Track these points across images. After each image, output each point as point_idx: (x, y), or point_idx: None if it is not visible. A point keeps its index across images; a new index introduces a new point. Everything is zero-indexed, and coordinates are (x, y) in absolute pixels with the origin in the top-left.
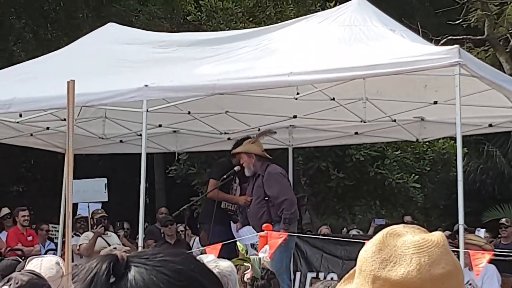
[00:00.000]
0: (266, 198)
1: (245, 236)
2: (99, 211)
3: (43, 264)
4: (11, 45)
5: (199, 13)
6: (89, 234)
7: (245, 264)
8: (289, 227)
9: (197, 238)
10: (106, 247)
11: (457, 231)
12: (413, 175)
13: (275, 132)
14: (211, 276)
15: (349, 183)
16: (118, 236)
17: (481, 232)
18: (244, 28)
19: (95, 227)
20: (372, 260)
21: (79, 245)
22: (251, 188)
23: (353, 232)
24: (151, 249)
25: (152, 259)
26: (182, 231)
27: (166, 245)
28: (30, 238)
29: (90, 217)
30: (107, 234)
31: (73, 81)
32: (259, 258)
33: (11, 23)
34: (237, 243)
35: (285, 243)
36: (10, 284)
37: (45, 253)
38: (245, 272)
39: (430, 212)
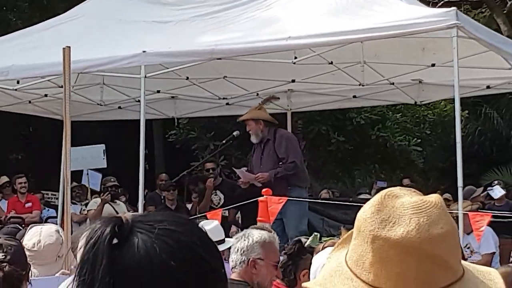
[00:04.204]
0: (280, 163)
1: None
2: (112, 180)
3: (43, 232)
4: (7, 14)
5: None
6: (98, 201)
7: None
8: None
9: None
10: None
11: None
12: (414, 138)
13: (279, 98)
14: (213, 249)
15: (349, 147)
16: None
17: (497, 188)
18: None
19: (102, 194)
20: (371, 220)
21: (87, 211)
22: (259, 155)
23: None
24: (156, 215)
25: (157, 226)
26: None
27: (170, 212)
28: (29, 204)
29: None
30: (116, 202)
31: (69, 47)
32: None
33: None
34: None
35: (301, 209)
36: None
37: (45, 220)
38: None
39: (428, 174)
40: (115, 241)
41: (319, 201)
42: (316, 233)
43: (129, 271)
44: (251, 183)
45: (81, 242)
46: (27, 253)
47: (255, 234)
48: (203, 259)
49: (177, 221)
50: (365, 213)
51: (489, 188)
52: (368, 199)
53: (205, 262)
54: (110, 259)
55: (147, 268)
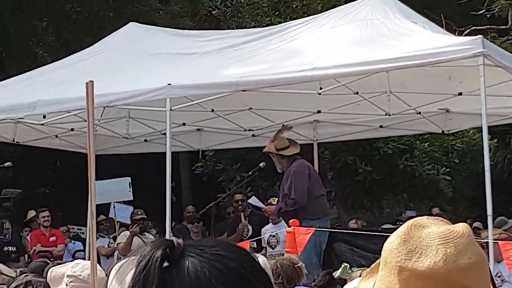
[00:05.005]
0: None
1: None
2: (139, 213)
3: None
4: (34, 47)
5: (225, 8)
6: (127, 233)
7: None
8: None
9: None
10: None
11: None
12: (443, 168)
13: (291, 127)
14: (264, 277)
15: (376, 176)
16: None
17: None
18: (270, 22)
19: (131, 227)
20: (397, 251)
21: (117, 244)
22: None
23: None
24: (208, 240)
25: (208, 251)
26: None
27: (223, 239)
28: (53, 238)
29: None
30: (145, 235)
31: (92, 82)
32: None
33: (33, 25)
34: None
35: (313, 239)
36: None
37: (74, 254)
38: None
39: (458, 203)
40: (165, 264)
41: (339, 231)
42: (345, 264)
43: None
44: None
45: (111, 276)
46: (80, 284)
47: None
48: (252, 285)
49: (229, 247)
50: (392, 244)
51: None
52: (390, 228)
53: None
54: (162, 281)
55: None
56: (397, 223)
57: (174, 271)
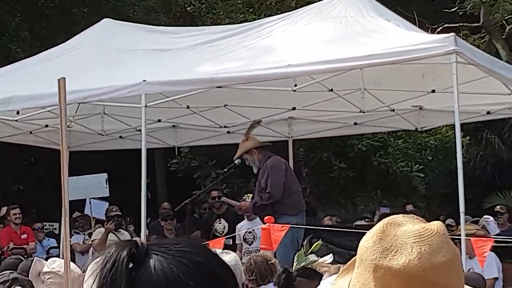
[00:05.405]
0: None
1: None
2: (114, 209)
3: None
4: (7, 43)
5: (199, 4)
6: (102, 230)
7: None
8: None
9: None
10: None
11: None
12: (417, 165)
13: (261, 120)
14: (228, 270)
15: (351, 173)
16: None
17: (491, 221)
18: (244, 19)
19: (105, 223)
20: (373, 249)
21: (92, 241)
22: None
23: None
24: (170, 239)
25: (172, 248)
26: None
27: (184, 237)
28: (24, 236)
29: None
30: (120, 231)
31: (64, 78)
32: (314, 261)
33: (6, 20)
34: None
35: (290, 236)
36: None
37: (48, 251)
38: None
39: (431, 200)
40: (131, 265)
41: (314, 227)
42: (299, 252)
43: None
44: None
45: (88, 273)
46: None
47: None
48: (219, 278)
49: (192, 244)
50: (367, 242)
51: (485, 220)
52: (364, 225)
53: (221, 281)
54: (130, 282)
55: None
56: (364, 220)
57: (140, 270)
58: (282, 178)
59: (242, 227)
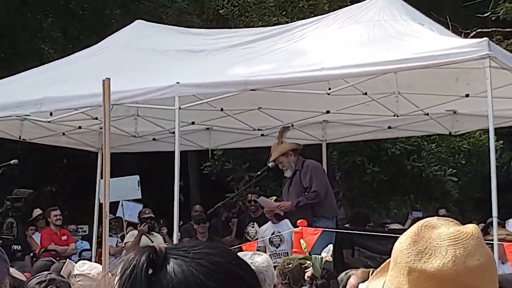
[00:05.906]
0: (305, 193)
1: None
2: (147, 211)
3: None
4: (40, 44)
5: (232, 7)
6: (135, 233)
7: (306, 262)
8: (300, 210)
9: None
10: None
11: (490, 224)
12: (450, 169)
13: (292, 125)
14: (248, 269)
15: (384, 177)
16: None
17: (510, 224)
18: (277, 22)
19: (138, 225)
20: (407, 252)
21: (125, 243)
22: (287, 186)
23: (392, 226)
24: (189, 242)
25: (191, 251)
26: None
27: (228, 240)
28: (64, 237)
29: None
30: (153, 234)
31: (109, 79)
32: (321, 257)
33: (39, 22)
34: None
35: (327, 239)
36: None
37: (80, 253)
38: (306, 270)
39: (464, 205)
40: (150, 271)
41: (348, 231)
42: (314, 257)
43: None
44: (275, 212)
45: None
46: (90, 282)
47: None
48: (240, 277)
49: (211, 245)
50: (402, 245)
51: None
52: (398, 229)
53: (242, 281)
54: (149, 287)
55: None
56: (384, 225)
57: (160, 275)
58: (325, 179)
59: (266, 230)
